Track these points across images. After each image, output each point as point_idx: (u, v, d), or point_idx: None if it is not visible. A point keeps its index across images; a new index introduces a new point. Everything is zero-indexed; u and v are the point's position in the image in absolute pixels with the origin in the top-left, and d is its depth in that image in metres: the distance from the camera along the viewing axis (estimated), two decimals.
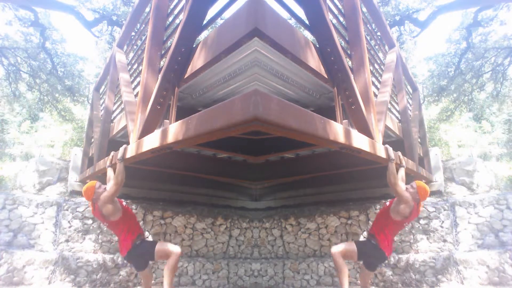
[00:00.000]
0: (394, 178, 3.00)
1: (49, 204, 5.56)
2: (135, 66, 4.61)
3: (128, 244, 3.19)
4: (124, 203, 3.33)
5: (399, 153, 3.32)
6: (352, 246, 3.23)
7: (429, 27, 11.08)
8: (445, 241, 5.37)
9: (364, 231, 5.61)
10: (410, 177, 5.33)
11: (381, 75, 4.59)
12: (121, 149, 3.14)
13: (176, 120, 2.57)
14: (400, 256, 5.21)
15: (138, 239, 3.24)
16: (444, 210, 5.52)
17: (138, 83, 4.03)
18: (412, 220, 3.24)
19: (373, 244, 3.20)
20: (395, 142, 5.07)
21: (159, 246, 3.24)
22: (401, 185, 3.09)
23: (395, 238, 5.24)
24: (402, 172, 3.30)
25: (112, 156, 3.36)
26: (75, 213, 5.53)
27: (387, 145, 3.21)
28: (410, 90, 6.27)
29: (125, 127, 4.13)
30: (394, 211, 3.09)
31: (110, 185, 3.09)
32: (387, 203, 3.29)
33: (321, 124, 2.26)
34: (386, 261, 3.95)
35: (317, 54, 2.88)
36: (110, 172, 3.36)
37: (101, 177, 5.42)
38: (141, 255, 3.25)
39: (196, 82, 3.39)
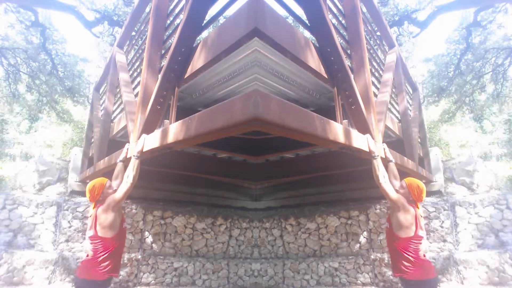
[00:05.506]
0: (377, 176, 2.63)
1: (49, 204, 5.56)
2: (135, 66, 4.61)
3: (101, 274, 2.51)
4: (124, 225, 2.78)
5: (385, 145, 3.08)
6: None
7: (429, 27, 11.09)
8: (445, 241, 5.37)
9: (364, 231, 5.61)
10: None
11: (381, 75, 4.59)
12: (139, 143, 2.81)
13: (176, 120, 2.57)
14: None
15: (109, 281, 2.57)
16: (444, 210, 5.52)
17: (138, 83, 4.03)
18: (422, 229, 2.58)
19: (407, 280, 2.54)
20: (395, 142, 5.07)
21: None
22: (394, 183, 2.76)
23: None
24: (392, 167, 2.89)
25: (127, 150, 3.01)
26: (75, 213, 5.53)
27: (368, 135, 2.86)
28: (410, 90, 6.26)
29: (125, 127, 4.13)
30: (397, 227, 2.56)
31: (123, 182, 2.62)
32: (387, 225, 2.75)
33: (321, 124, 2.26)
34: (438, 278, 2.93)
35: (317, 54, 2.88)
36: (119, 167, 2.90)
37: (101, 177, 5.43)
38: None
39: (196, 82, 3.40)
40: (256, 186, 6.75)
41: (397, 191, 2.64)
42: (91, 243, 2.58)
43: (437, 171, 6.05)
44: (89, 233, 2.58)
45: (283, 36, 2.42)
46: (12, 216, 5.37)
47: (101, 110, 5.74)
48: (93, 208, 2.63)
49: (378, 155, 2.73)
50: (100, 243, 2.54)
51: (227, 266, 5.54)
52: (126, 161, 2.92)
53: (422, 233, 2.57)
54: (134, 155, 2.74)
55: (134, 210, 5.59)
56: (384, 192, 2.60)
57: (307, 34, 6.43)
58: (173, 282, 5.29)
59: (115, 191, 2.64)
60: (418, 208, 2.62)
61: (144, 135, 2.85)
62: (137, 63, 4.53)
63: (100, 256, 2.52)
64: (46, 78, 10.77)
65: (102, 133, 4.92)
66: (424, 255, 2.62)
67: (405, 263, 2.55)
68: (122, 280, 5.11)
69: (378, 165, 2.68)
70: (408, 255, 2.54)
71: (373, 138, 2.91)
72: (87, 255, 2.59)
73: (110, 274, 2.56)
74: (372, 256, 5.36)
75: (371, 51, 4.40)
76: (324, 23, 2.77)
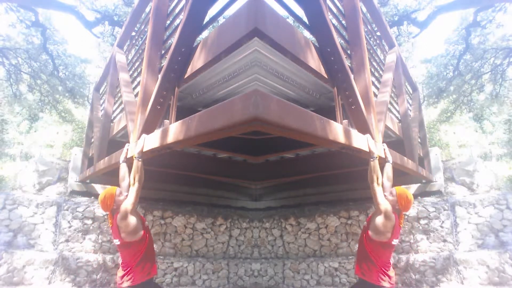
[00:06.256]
0: (372, 178, 2.67)
1: (49, 204, 5.56)
2: (135, 66, 4.61)
3: (142, 276, 2.58)
4: (146, 223, 2.78)
5: (385, 145, 3.07)
6: None
7: (428, 28, 11.10)
8: (445, 241, 5.37)
9: None
10: (410, 177, 5.35)
11: (381, 75, 4.59)
12: (139, 143, 2.80)
13: (176, 120, 2.57)
14: (400, 256, 5.22)
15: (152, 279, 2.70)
16: (444, 210, 5.52)
17: (138, 83, 4.03)
18: (397, 238, 2.60)
19: (363, 281, 2.64)
20: (395, 142, 5.07)
21: None
22: (386, 185, 2.77)
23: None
24: (387, 168, 2.86)
25: (127, 150, 2.98)
26: (75, 213, 5.53)
27: (368, 136, 2.84)
28: (410, 90, 6.27)
29: (125, 127, 4.14)
30: (374, 229, 2.58)
31: (131, 187, 2.66)
32: (365, 223, 2.78)
33: (321, 124, 2.26)
34: None
35: (317, 54, 2.88)
36: (124, 169, 2.87)
37: (101, 177, 5.44)
38: None
39: (196, 82, 3.40)
40: (256, 186, 6.76)
41: (385, 196, 2.65)
42: (121, 251, 2.63)
43: (437, 171, 6.05)
44: (116, 242, 2.60)
45: (283, 36, 2.42)
46: (12, 216, 5.37)
47: (101, 110, 5.74)
48: (110, 218, 2.65)
49: (376, 157, 2.73)
50: (130, 248, 2.57)
51: (227, 266, 5.54)
52: (129, 161, 2.91)
53: (395, 242, 2.60)
54: (135, 157, 2.72)
55: None
56: (373, 193, 2.65)
57: (307, 34, 6.44)
58: (173, 282, 5.29)
59: (126, 196, 2.66)
60: (401, 218, 2.65)
61: (144, 135, 2.85)
62: (137, 63, 4.53)
63: (135, 260, 2.57)
64: (47, 78, 10.78)
65: (102, 133, 4.93)
66: (390, 263, 2.65)
67: (370, 266, 2.59)
68: None
69: (375, 166, 2.69)
70: (375, 258, 2.57)
71: (373, 138, 2.91)
72: (122, 263, 2.63)
73: (150, 275, 2.63)
74: None
75: (371, 51, 4.40)
76: (324, 23, 2.78)
